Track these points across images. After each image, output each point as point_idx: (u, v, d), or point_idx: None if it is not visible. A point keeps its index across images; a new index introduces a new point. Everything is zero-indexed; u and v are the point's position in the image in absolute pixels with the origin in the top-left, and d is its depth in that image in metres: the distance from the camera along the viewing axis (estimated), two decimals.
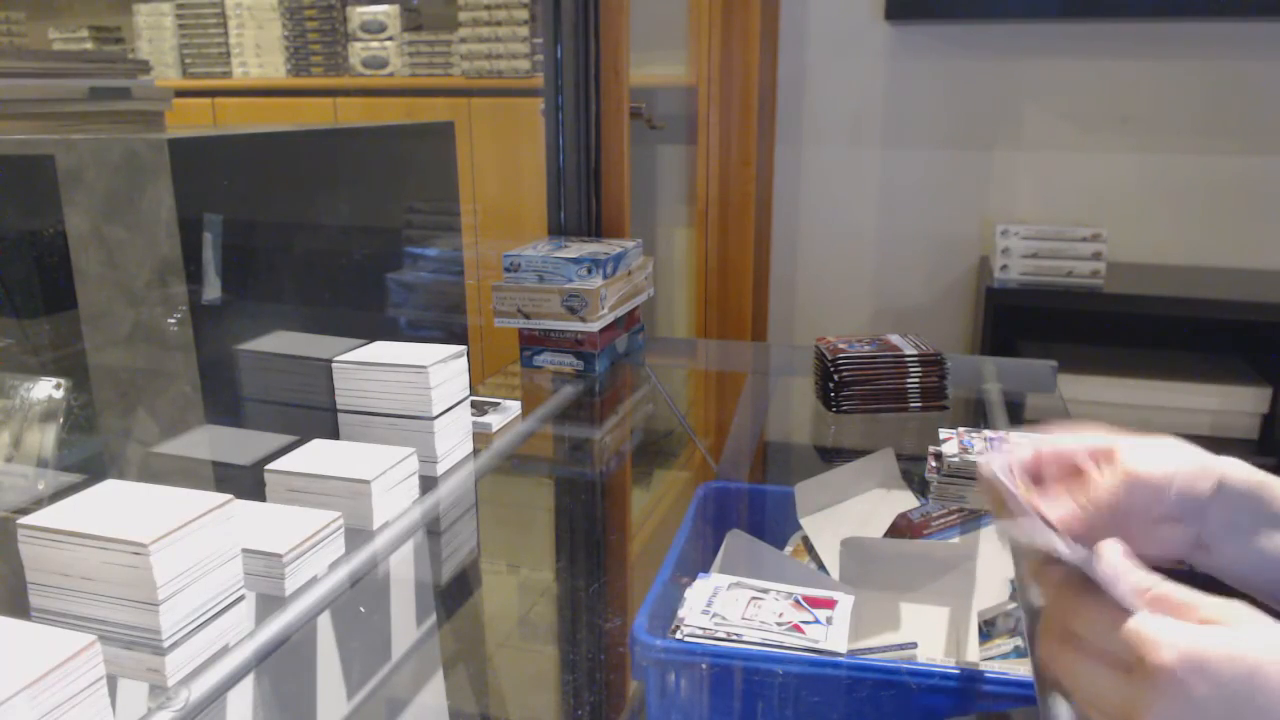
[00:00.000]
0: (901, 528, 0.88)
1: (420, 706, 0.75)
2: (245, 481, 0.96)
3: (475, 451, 1.13)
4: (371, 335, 1.13)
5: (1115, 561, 0.45)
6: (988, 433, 1.01)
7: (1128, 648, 0.44)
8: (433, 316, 1.42)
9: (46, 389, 0.98)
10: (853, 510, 0.94)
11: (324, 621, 0.80)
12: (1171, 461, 0.59)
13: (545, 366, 1.49)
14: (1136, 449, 0.60)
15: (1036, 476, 0.61)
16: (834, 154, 2.63)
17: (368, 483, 0.90)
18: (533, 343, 1.49)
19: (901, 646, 0.72)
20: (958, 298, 2.63)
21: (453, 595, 0.93)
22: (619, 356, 1.58)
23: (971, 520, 0.86)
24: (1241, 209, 2.38)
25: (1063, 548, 0.48)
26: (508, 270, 1.48)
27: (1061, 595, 0.48)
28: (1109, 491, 0.57)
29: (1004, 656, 0.68)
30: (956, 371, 1.32)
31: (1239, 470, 0.60)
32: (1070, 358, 2.24)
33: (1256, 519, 0.59)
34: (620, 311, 1.54)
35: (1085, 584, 0.46)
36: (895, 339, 1.34)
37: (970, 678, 0.62)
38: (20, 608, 0.69)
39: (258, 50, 3.05)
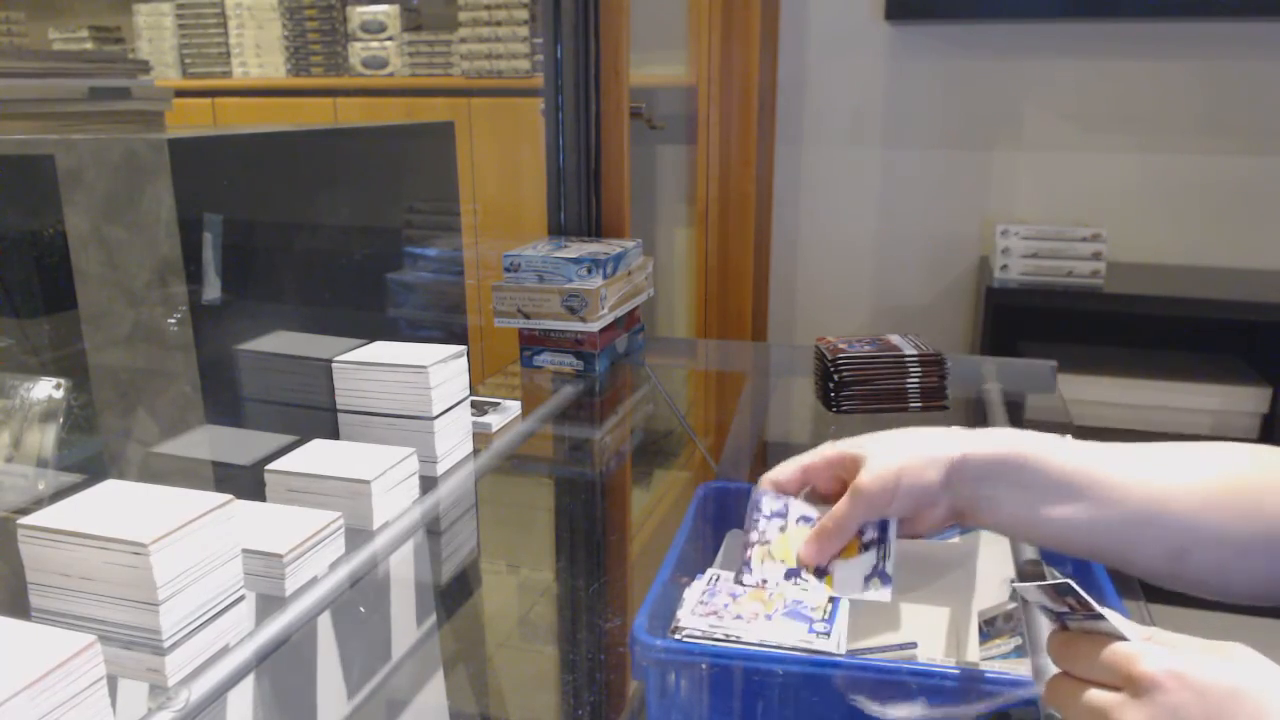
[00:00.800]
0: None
1: (420, 706, 0.75)
2: (245, 481, 0.96)
3: (475, 451, 1.13)
4: (371, 335, 1.13)
5: (1118, 618, 0.47)
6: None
7: (1116, 668, 0.45)
8: (433, 316, 1.42)
9: (46, 389, 0.98)
10: None
11: (324, 621, 0.80)
12: (897, 460, 0.64)
13: (545, 366, 1.49)
14: (869, 458, 0.65)
15: (813, 491, 0.71)
16: (834, 154, 2.63)
17: (368, 483, 0.90)
18: (533, 343, 1.49)
19: (901, 646, 0.72)
20: (957, 298, 2.63)
21: (453, 595, 0.93)
22: (619, 356, 1.58)
23: None
24: (1241, 209, 2.38)
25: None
26: (508, 270, 1.48)
27: (1068, 646, 0.49)
28: (845, 514, 0.65)
29: (1004, 656, 0.68)
30: (956, 371, 1.32)
31: (983, 446, 0.63)
32: (1070, 358, 2.24)
33: (1012, 488, 0.62)
34: (620, 311, 1.53)
35: (1090, 638, 0.48)
36: (895, 339, 1.34)
37: (970, 678, 0.61)
38: (20, 608, 0.69)
39: (258, 50, 3.05)
